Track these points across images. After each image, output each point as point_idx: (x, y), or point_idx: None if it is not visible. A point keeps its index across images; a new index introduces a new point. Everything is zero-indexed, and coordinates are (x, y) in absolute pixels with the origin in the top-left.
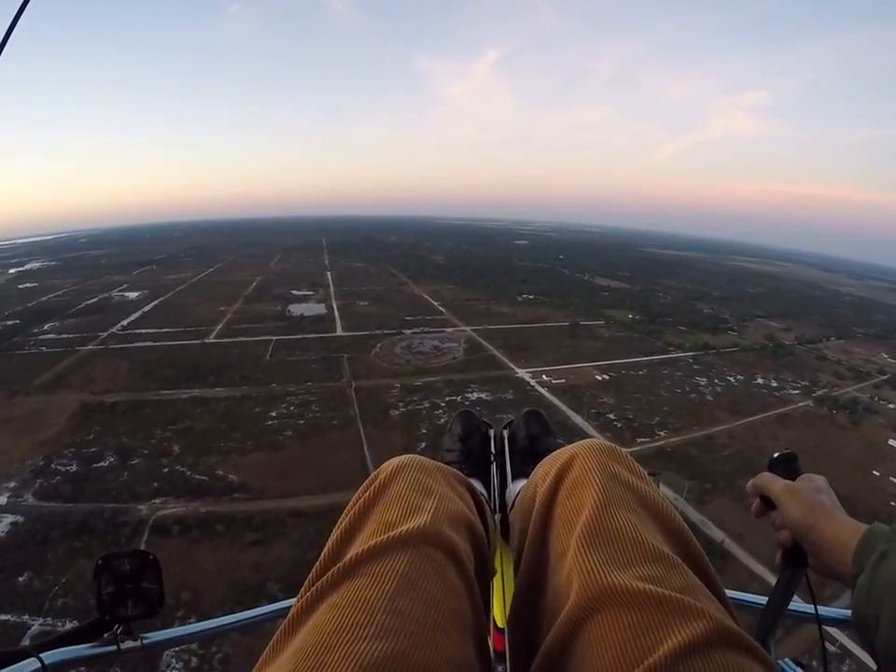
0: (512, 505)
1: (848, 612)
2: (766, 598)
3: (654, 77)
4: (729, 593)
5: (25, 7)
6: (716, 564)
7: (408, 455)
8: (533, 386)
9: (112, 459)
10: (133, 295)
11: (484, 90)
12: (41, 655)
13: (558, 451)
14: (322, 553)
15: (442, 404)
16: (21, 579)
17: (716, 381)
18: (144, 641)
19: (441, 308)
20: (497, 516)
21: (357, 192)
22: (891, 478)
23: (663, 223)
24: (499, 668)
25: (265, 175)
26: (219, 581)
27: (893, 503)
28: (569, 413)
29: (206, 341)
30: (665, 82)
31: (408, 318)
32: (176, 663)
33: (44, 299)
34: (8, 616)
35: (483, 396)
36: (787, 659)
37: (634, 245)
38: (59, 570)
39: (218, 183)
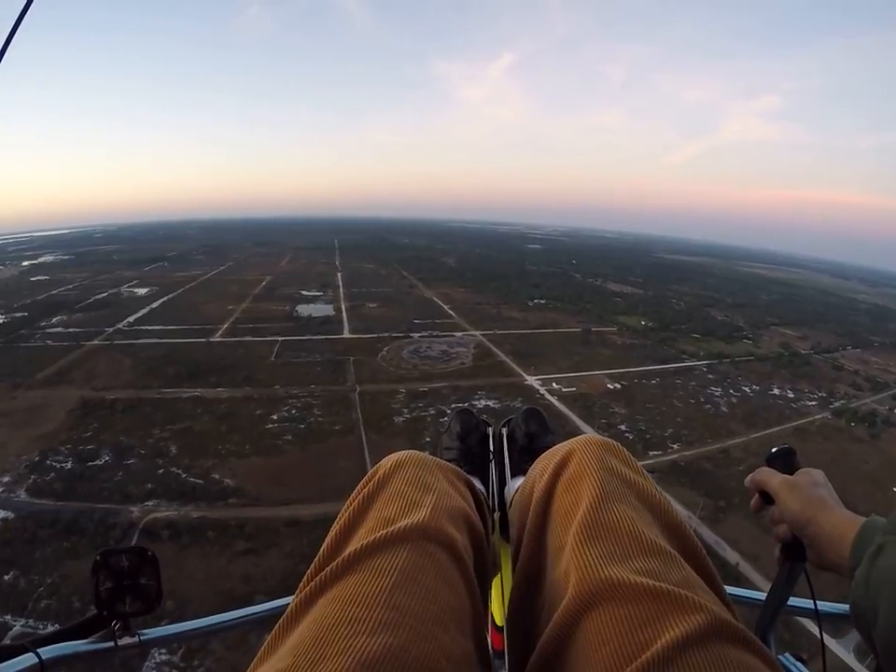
0: (511, 502)
1: (848, 608)
2: (765, 593)
3: (668, 81)
4: (728, 588)
5: None
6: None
7: (407, 451)
8: (542, 395)
9: (108, 458)
10: (142, 291)
11: (499, 93)
12: (38, 650)
13: (556, 446)
14: (321, 548)
15: (448, 411)
16: (6, 577)
17: (731, 391)
18: (142, 637)
19: (451, 312)
20: (497, 514)
21: (371, 194)
22: None
23: (675, 228)
24: (498, 663)
25: (282, 174)
26: (207, 591)
27: None
28: (580, 423)
29: (212, 340)
30: (679, 86)
31: (417, 322)
32: None
33: (54, 292)
34: None
35: (490, 403)
36: (787, 654)
37: (646, 249)
38: (45, 571)
39: (235, 183)
